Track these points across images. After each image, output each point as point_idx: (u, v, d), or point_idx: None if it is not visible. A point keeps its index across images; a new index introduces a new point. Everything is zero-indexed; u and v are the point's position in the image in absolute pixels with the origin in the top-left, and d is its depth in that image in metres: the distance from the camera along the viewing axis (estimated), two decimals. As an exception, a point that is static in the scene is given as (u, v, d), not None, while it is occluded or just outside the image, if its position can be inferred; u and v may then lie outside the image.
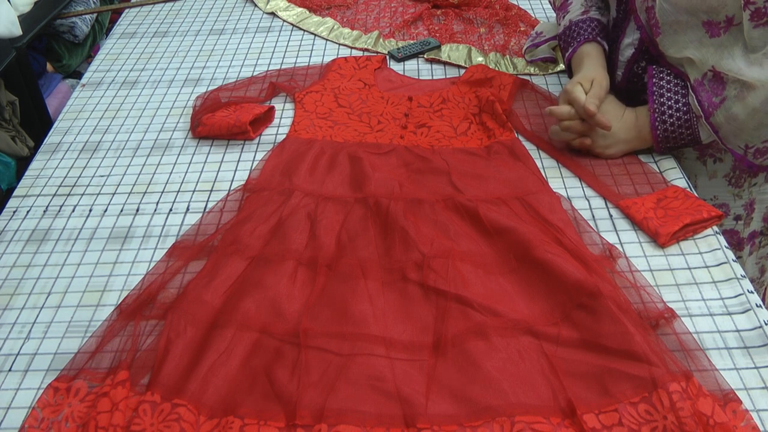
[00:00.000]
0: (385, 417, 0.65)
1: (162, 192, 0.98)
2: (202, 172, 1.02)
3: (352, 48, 1.34)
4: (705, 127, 0.90)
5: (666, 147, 0.96)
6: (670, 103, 0.92)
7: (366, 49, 1.33)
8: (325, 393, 0.67)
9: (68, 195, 0.99)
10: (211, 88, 1.21)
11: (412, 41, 1.34)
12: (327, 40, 1.38)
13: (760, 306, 0.75)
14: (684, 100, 0.92)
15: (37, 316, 0.80)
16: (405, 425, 0.64)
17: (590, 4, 1.08)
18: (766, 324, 0.73)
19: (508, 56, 1.27)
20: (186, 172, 1.02)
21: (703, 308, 0.76)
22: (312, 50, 1.34)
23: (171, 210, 0.95)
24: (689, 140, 0.94)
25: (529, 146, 1.02)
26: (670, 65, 0.94)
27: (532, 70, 1.23)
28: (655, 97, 0.93)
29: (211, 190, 0.98)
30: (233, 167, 1.02)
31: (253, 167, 1.01)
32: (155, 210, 0.95)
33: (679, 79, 0.93)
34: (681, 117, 0.91)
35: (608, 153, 0.97)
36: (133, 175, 1.02)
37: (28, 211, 0.97)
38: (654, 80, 0.94)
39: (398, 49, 1.30)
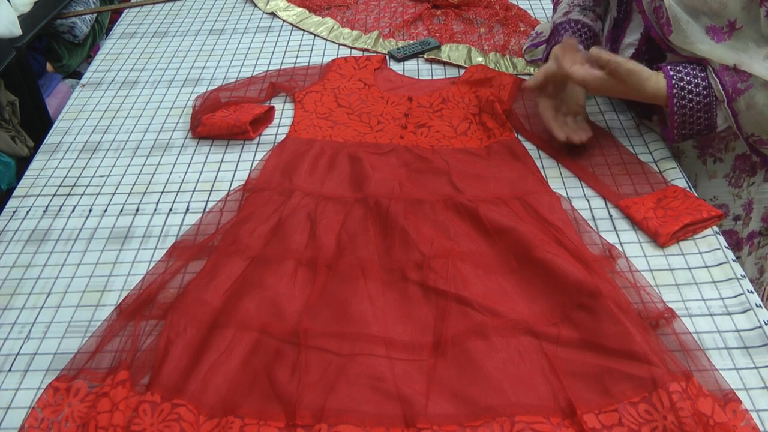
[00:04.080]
0: (385, 417, 0.65)
1: (162, 192, 0.98)
2: (202, 172, 1.02)
3: (352, 48, 1.34)
4: (724, 110, 0.88)
5: (681, 134, 0.92)
6: (690, 87, 0.89)
7: (366, 49, 1.33)
8: (325, 393, 0.67)
9: (68, 195, 0.99)
10: (211, 88, 1.21)
11: (412, 41, 1.34)
12: (327, 40, 1.38)
13: (760, 306, 0.75)
14: (705, 83, 0.89)
15: (37, 316, 0.80)
16: (405, 425, 0.64)
17: (574, 3, 1.08)
18: (766, 324, 0.73)
19: (508, 56, 1.27)
20: (186, 172, 1.02)
21: (703, 308, 0.76)
22: (312, 50, 1.34)
23: (171, 210, 0.95)
24: (705, 125, 0.90)
25: (529, 146, 1.02)
26: (683, 57, 0.93)
27: (532, 70, 1.23)
28: (674, 81, 0.90)
29: (211, 190, 0.98)
30: (233, 167, 1.02)
31: (253, 167, 1.01)
32: (155, 210, 0.95)
33: (695, 64, 0.91)
34: (701, 101, 0.89)
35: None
36: (133, 175, 1.02)
37: (28, 211, 0.97)
38: (669, 66, 0.91)
39: (398, 49, 1.30)
